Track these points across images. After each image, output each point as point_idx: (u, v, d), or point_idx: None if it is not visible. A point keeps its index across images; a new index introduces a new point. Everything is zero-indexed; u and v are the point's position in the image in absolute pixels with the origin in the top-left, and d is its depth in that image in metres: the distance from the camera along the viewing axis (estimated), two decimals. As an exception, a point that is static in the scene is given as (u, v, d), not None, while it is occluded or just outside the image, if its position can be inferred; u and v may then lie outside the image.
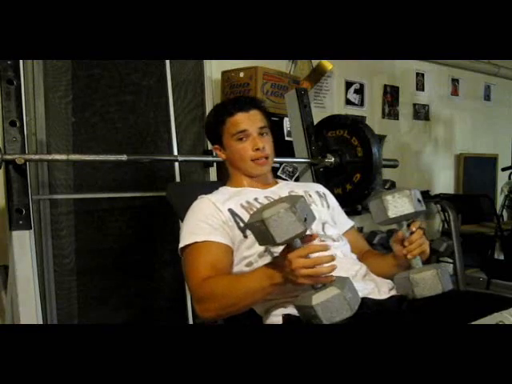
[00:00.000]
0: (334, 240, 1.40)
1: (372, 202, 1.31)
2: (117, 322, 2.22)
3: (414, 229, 1.28)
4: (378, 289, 1.30)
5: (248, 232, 1.32)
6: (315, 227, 1.38)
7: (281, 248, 1.20)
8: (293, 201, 1.07)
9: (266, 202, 1.39)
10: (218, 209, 1.37)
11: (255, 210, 1.34)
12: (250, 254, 1.32)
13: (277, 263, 1.15)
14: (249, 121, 1.43)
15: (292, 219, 1.04)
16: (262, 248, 1.31)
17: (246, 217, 1.33)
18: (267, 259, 1.29)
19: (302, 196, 1.12)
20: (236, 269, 1.35)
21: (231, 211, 1.37)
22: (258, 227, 1.06)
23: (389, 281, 1.35)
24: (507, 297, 1.22)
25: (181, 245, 1.35)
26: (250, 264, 1.32)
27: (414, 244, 1.26)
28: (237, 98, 1.54)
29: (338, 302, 1.05)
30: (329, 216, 1.48)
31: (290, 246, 1.10)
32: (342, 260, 1.34)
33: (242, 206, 1.38)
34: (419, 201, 1.29)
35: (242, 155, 1.44)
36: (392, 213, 1.25)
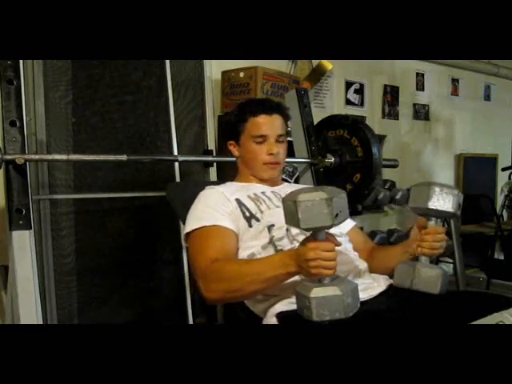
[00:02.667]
0: (336, 236, 1.41)
1: (417, 186, 1.30)
2: (117, 322, 2.21)
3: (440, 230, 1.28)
4: (377, 283, 1.32)
5: (253, 222, 1.36)
6: None
7: (285, 241, 1.25)
8: (332, 194, 1.07)
9: (272, 196, 1.44)
10: (226, 198, 1.40)
11: (262, 201, 1.40)
12: (253, 245, 1.34)
13: (294, 252, 1.15)
14: (270, 126, 1.48)
15: (324, 211, 1.04)
16: (266, 240, 1.33)
17: (252, 207, 1.39)
18: (270, 251, 1.31)
19: (343, 192, 1.13)
20: (241, 256, 1.35)
21: (238, 201, 1.40)
22: (289, 206, 1.08)
23: (386, 276, 1.36)
24: (507, 296, 1.22)
25: (188, 229, 1.37)
26: (252, 255, 1.33)
27: (429, 236, 1.26)
28: (263, 100, 1.59)
29: (336, 302, 1.05)
30: None
31: (314, 236, 1.10)
32: (344, 255, 1.35)
33: (249, 197, 1.42)
34: (459, 206, 1.27)
35: (255, 157, 1.49)
36: (432, 204, 1.23)
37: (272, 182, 1.54)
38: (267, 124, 1.47)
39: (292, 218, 1.08)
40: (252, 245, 1.34)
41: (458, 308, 1.18)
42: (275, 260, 1.19)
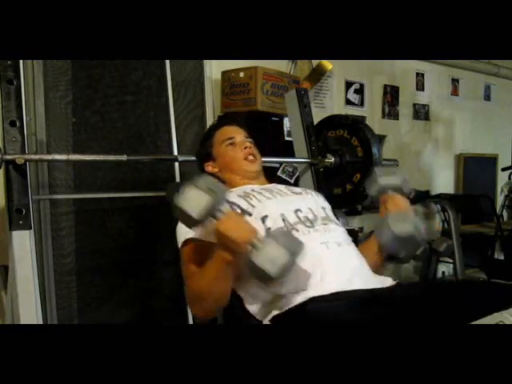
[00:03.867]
0: (336, 224, 1.44)
1: (368, 178, 1.54)
2: (117, 322, 2.21)
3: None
4: (382, 284, 1.32)
5: (245, 216, 1.35)
6: (316, 211, 1.42)
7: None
8: (196, 179, 1.18)
9: (263, 191, 1.45)
10: None
11: (252, 197, 1.41)
12: None
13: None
14: (235, 131, 1.61)
15: (197, 193, 1.15)
16: (261, 232, 1.30)
17: (242, 203, 1.39)
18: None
19: (209, 176, 1.25)
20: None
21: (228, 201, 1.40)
22: (179, 213, 1.16)
23: (390, 278, 1.37)
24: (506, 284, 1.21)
25: (179, 245, 1.38)
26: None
27: (390, 201, 1.44)
28: (219, 117, 1.79)
29: (273, 248, 1.10)
30: (326, 204, 1.54)
31: (215, 219, 1.18)
32: (349, 248, 1.37)
33: (239, 196, 1.42)
34: (406, 181, 1.51)
35: (233, 157, 1.55)
36: (382, 181, 1.48)
37: (259, 181, 1.56)
38: (232, 130, 1.61)
39: (189, 220, 1.16)
40: None
41: (457, 301, 1.17)
42: (215, 256, 1.21)
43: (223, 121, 1.72)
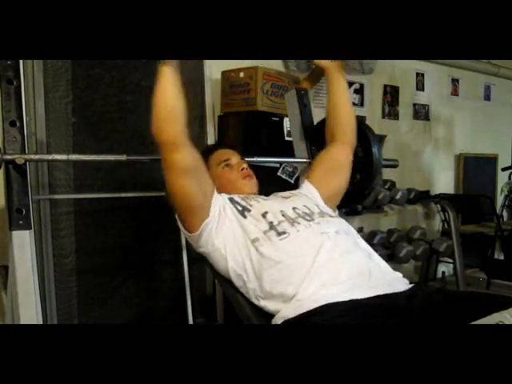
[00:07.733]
0: (330, 216, 1.48)
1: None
2: (117, 322, 2.22)
3: None
4: (389, 284, 1.32)
5: (246, 213, 1.42)
6: (311, 208, 1.46)
7: (285, 224, 1.37)
8: None
9: (258, 198, 1.51)
10: (219, 193, 1.47)
11: (250, 199, 1.47)
12: (254, 231, 1.36)
13: None
14: (230, 153, 1.64)
15: None
16: (265, 226, 1.36)
17: (242, 203, 1.46)
18: (273, 235, 1.34)
19: None
20: (244, 248, 1.36)
21: (230, 199, 1.47)
22: None
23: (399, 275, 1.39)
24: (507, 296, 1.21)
25: None
26: (256, 239, 1.35)
27: None
28: (214, 144, 1.86)
29: None
30: (320, 201, 1.58)
31: None
32: (348, 238, 1.38)
33: (239, 196, 1.50)
34: None
35: (230, 178, 1.58)
36: None
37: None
38: (227, 152, 1.64)
39: None
40: (253, 231, 1.36)
41: (458, 309, 1.18)
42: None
43: (216, 146, 1.77)
